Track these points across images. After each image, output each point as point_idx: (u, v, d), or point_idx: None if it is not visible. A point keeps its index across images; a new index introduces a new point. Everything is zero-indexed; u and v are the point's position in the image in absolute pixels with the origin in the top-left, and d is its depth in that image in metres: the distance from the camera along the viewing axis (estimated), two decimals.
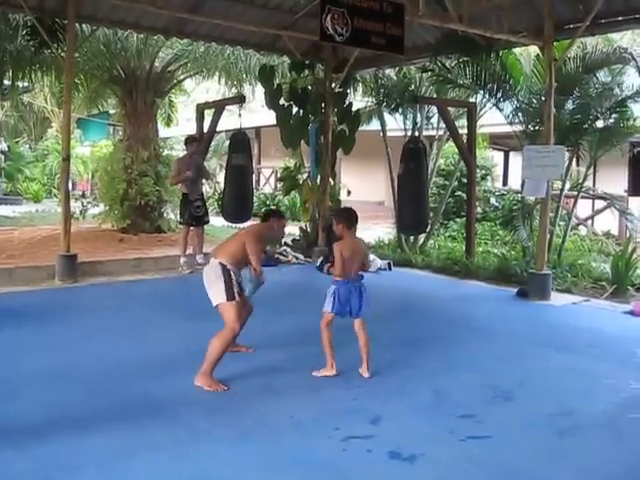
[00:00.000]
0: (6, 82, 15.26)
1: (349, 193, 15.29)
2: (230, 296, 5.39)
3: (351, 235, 5.72)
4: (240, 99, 12.88)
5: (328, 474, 3.94)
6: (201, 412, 4.80)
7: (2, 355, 6.13)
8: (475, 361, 6.37)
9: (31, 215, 19.26)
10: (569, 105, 10.98)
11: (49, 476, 3.81)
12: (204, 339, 5.76)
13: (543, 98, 10.07)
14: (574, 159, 11.81)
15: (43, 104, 28.61)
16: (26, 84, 16.86)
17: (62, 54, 10.40)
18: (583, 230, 15.79)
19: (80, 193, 24.68)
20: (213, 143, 17.30)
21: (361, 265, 5.74)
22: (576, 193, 12.43)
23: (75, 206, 13.68)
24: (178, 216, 12.03)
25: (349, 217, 5.78)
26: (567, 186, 11.84)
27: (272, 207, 8.10)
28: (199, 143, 11.86)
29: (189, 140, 11.65)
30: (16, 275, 9.68)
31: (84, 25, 11.87)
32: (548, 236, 10.17)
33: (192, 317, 7.36)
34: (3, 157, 29.64)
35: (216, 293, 5.41)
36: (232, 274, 5.45)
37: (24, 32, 11.63)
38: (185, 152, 11.72)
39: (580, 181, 12.40)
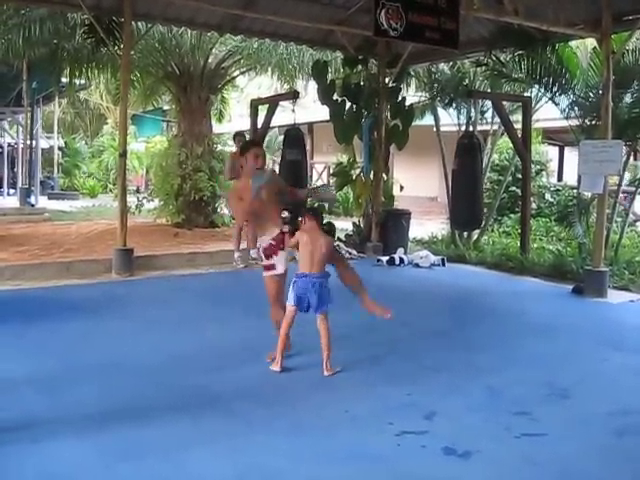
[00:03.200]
0: (64, 80, 15.59)
1: (402, 188, 15.21)
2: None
3: (314, 228, 5.60)
4: (294, 95, 12.96)
5: (382, 468, 3.93)
6: (256, 405, 4.84)
7: (61, 346, 6.26)
8: (530, 358, 6.29)
9: (88, 210, 19.67)
10: (627, 99, 10.77)
11: (108, 465, 3.87)
12: (258, 332, 5.84)
13: (600, 92, 9.87)
14: (632, 154, 11.59)
15: (99, 101, 29.15)
16: (83, 81, 17.14)
17: (118, 52, 10.55)
18: None
19: (135, 188, 25.06)
20: (266, 139, 17.36)
21: (323, 261, 5.60)
22: (634, 189, 12.21)
23: (130, 201, 13.88)
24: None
25: (315, 211, 5.79)
26: (625, 181, 11.62)
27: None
28: (243, 138, 11.87)
29: (236, 135, 11.74)
30: (74, 268, 9.86)
31: (140, 23, 12.04)
32: (605, 232, 10.00)
33: (247, 311, 7.44)
34: (60, 153, 30.26)
35: None
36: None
37: (82, 31, 11.84)
38: (235, 147, 11.81)
39: (638, 176, 12.18)
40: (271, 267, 5.78)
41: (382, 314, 5.75)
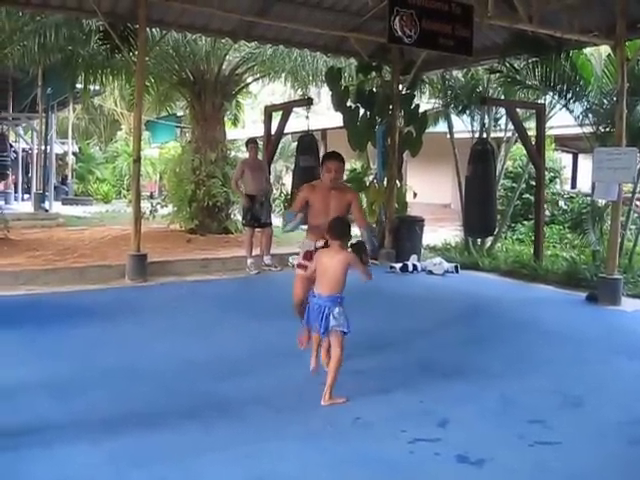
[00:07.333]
0: (78, 86, 15.65)
1: (415, 195, 15.18)
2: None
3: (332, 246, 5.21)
4: (308, 101, 12.97)
5: (395, 476, 3.92)
6: (268, 412, 4.84)
7: (74, 351, 6.28)
8: (544, 366, 6.27)
9: (101, 215, 19.74)
10: None
11: (120, 471, 3.88)
12: (270, 339, 5.83)
13: (615, 99, 9.85)
14: None
15: (113, 107, 29.29)
16: (97, 87, 17.21)
17: (133, 58, 10.58)
18: None
19: (148, 194, 25.15)
20: (280, 145, 17.37)
21: (332, 282, 5.10)
22: None
23: (144, 207, 13.90)
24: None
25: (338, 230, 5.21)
26: (639, 189, 11.56)
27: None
28: (256, 145, 11.82)
29: (249, 142, 11.71)
30: (87, 274, 9.89)
31: (154, 29, 12.09)
32: (619, 240, 9.94)
33: (259, 317, 7.44)
34: (74, 158, 30.41)
35: None
36: None
37: (97, 37, 11.88)
38: (248, 154, 11.76)
39: None
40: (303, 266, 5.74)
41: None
